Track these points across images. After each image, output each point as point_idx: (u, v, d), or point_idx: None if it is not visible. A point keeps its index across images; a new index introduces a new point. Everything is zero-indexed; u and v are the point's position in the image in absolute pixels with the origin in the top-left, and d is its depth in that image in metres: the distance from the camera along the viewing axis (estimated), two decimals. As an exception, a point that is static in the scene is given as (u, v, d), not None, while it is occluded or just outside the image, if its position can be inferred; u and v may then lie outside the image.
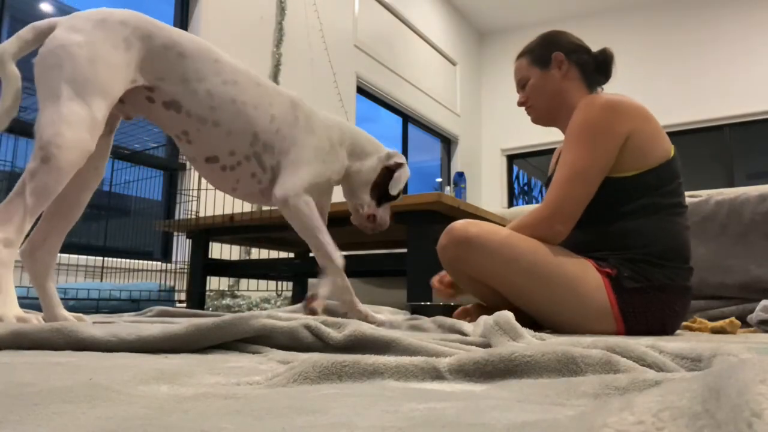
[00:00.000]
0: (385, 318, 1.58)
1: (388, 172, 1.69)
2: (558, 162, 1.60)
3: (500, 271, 1.52)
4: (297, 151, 1.52)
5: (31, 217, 1.13)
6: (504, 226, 1.61)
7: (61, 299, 2.48)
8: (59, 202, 1.31)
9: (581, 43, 1.73)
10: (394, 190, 1.67)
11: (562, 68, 1.67)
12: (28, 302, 2.24)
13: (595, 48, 1.73)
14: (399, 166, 1.68)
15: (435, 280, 1.80)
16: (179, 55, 1.35)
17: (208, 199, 3.24)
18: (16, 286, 1.14)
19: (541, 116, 1.73)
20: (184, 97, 1.37)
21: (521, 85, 1.75)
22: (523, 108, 1.79)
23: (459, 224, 1.57)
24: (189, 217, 2.95)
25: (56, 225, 1.34)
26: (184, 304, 2.96)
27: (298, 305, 1.88)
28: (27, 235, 1.23)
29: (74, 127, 1.15)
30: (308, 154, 1.53)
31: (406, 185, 1.72)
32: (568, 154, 1.54)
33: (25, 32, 1.23)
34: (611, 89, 1.67)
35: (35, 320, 1.08)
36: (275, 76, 4.33)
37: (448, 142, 7.13)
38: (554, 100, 1.68)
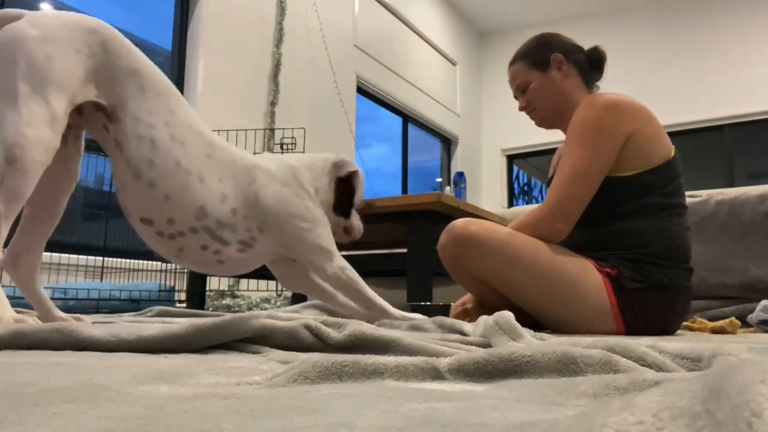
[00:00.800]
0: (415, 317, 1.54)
1: (342, 181, 1.60)
2: (559, 162, 1.60)
3: (500, 270, 1.52)
4: (289, 230, 1.43)
5: (6, 222, 1.10)
6: (504, 226, 1.61)
7: (61, 299, 2.48)
8: (36, 208, 1.28)
9: (574, 42, 1.74)
10: (359, 201, 1.61)
11: (562, 69, 1.67)
12: (25, 303, 2.24)
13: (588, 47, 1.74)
14: (353, 174, 1.60)
15: (458, 304, 1.76)
16: (140, 88, 1.27)
17: (208, 199, 3.25)
18: (4, 286, 1.13)
19: (545, 119, 1.73)
20: (129, 139, 1.27)
21: (521, 90, 1.74)
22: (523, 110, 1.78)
23: (459, 223, 1.58)
24: (189, 217, 2.94)
25: (36, 231, 1.30)
26: (184, 304, 2.96)
27: (299, 305, 1.88)
28: (6, 244, 1.21)
29: (35, 125, 1.11)
30: (303, 225, 1.44)
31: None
32: (569, 153, 1.54)
33: None
34: (611, 89, 1.67)
35: (32, 321, 1.09)
36: (275, 76, 4.33)
37: (448, 142, 7.13)
38: (558, 102, 1.68)
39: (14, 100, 1.12)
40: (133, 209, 1.32)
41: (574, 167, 1.51)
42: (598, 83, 1.75)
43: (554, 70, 1.68)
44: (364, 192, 1.68)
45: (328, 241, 1.48)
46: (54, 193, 1.31)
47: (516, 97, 1.78)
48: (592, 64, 1.71)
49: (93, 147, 3.04)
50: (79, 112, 1.27)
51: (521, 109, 1.77)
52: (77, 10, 1.33)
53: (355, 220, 1.66)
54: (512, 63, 1.77)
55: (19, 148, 1.09)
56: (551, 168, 1.85)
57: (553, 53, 1.68)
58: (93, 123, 1.30)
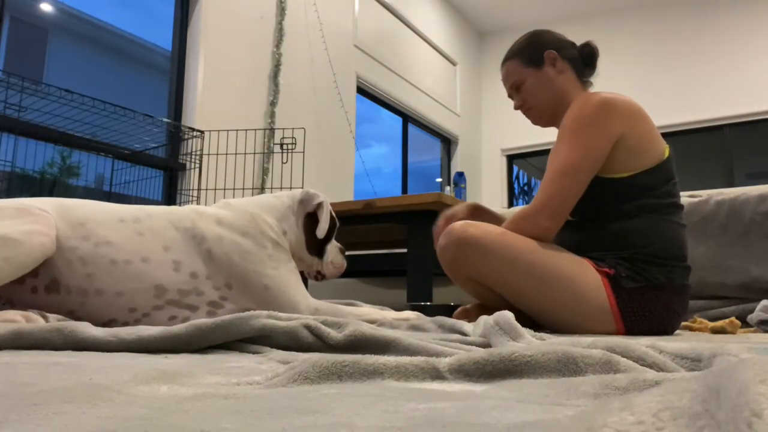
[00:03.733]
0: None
1: (311, 216, 1.56)
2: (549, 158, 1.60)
3: (499, 272, 1.52)
4: (252, 281, 1.38)
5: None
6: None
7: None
8: None
9: (566, 38, 1.73)
10: (321, 233, 1.53)
11: (556, 65, 1.67)
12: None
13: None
14: (319, 207, 1.55)
15: (459, 312, 1.75)
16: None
17: (208, 199, 3.24)
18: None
19: (541, 116, 1.72)
20: (61, 272, 1.24)
21: (515, 88, 1.72)
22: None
23: (458, 225, 1.57)
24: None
25: None
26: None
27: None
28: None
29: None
30: (268, 272, 1.39)
31: (332, 216, 1.59)
32: (559, 150, 1.53)
33: None
34: (610, 89, 1.67)
35: (20, 318, 1.10)
36: (275, 76, 4.33)
37: (448, 142, 7.13)
38: (553, 99, 1.67)
39: None
40: (98, 320, 1.29)
41: (564, 164, 1.50)
42: (591, 79, 1.74)
43: (548, 66, 1.67)
44: (335, 220, 1.61)
45: (295, 289, 1.43)
46: None
47: (510, 96, 1.76)
48: (584, 59, 1.70)
49: (93, 147, 3.04)
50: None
51: (517, 108, 1.75)
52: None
53: (333, 257, 1.60)
54: (505, 61, 1.75)
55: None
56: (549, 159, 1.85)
57: (546, 50, 1.67)
58: (21, 299, 1.26)
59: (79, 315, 1.26)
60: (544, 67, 1.67)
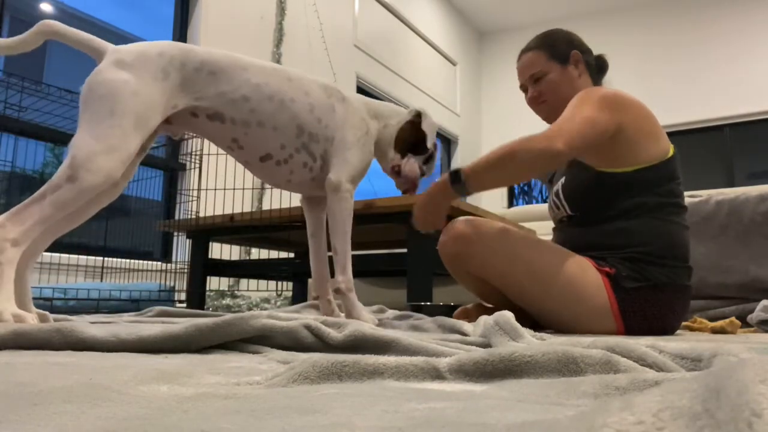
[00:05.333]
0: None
1: (412, 126, 1.71)
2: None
3: (500, 269, 1.52)
4: (341, 138, 1.59)
5: (42, 226, 1.18)
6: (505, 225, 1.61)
7: (61, 299, 2.48)
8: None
9: (586, 44, 1.74)
10: (429, 143, 1.71)
11: (579, 67, 1.66)
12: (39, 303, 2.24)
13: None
14: (424, 118, 1.72)
15: (459, 312, 1.74)
16: (210, 74, 1.42)
17: (208, 199, 3.25)
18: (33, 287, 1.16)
19: (554, 114, 1.65)
20: (225, 107, 1.44)
21: (535, 79, 1.67)
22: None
23: (459, 221, 1.58)
24: (189, 217, 2.95)
25: (52, 228, 1.35)
26: (184, 304, 2.96)
27: (299, 305, 1.88)
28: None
29: (107, 156, 1.22)
30: (352, 139, 1.61)
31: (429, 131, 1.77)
32: (570, 108, 1.49)
33: (80, 35, 1.36)
34: (611, 88, 1.67)
35: (31, 320, 1.10)
36: (275, 76, 4.33)
37: (448, 142, 7.13)
38: (569, 98, 1.62)
39: (97, 126, 1.24)
40: (252, 154, 1.53)
41: (581, 113, 1.45)
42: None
43: (572, 66, 1.65)
44: (434, 137, 1.76)
45: (355, 164, 1.60)
46: (89, 202, 1.39)
47: (523, 87, 1.72)
48: (598, 69, 1.71)
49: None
50: (167, 121, 1.41)
51: (531, 98, 1.70)
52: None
53: (412, 164, 1.68)
54: (530, 49, 1.70)
55: (85, 170, 1.20)
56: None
57: (573, 49, 1.66)
58: (180, 121, 1.45)
59: (241, 143, 1.50)
60: (569, 65, 1.66)
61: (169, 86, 1.36)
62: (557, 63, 1.65)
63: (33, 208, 1.18)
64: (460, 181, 1.48)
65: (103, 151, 1.22)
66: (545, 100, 1.67)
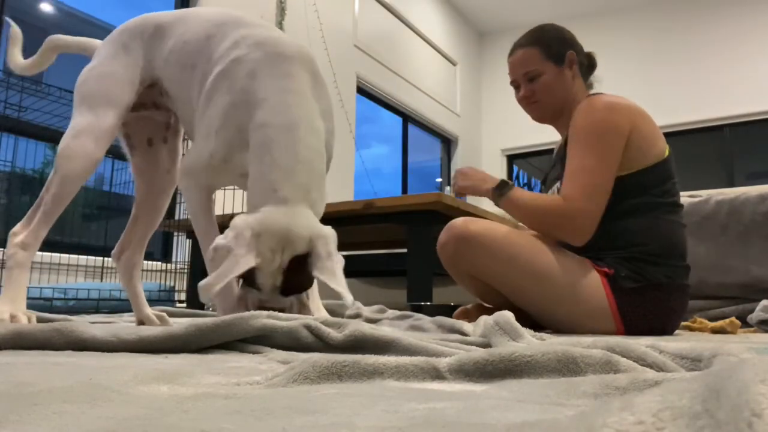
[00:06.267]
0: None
1: None
2: (565, 170, 1.54)
3: (500, 269, 1.52)
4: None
5: (46, 224, 1.22)
6: (504, 225, 1.61)
7: (61, 299, 2.48)
8: (139, 210, 1.45)
9: (579, 43, 1.73)
10: None
11: (573, 69, 1.65)
12: (27, 302, 2.23)
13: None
14: None
15: (459, 312, 1.74)
16: (159, 38, 1.33)
17: (208, 199, 3.24)
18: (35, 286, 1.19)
19: (545, 115, 1.68)
20: (164, 77, 1.33)
21: (529, 78, 1.64)
22: (521, 105, 1.71)
23: (459, 221, 1.57)
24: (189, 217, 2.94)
25: (138, 230, 1.45)
26: (184, 304, 2.96)
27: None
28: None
29: (77, 139, 1.24)
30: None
31: None
32: (580, 162, 1.50)
33: (81, 41, 1.43)
34: (611, 89, 1.67)
35: (24, 319, 1.12)
36: (275, 76, 4.33)
37: (448, 142, 7.13)
38: (563, 100, 1.65)
39: (73, 117, 1.28)
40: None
41: (592, 181, 1.47)
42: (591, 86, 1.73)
43: (567, 67, 1.64)
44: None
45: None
46: (154, 195, 1.46)
47: (515, 83, 1.69)
48: (588, 67, 1.70)
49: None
50: (156, 107, 1.40)
51: (523, 96, 1.67)
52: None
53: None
54: (521, 46, 1.66)
55: (63, 158, 1.23)
56: (554, 158, 1.81)
57: (569, 50, 1.64)
58: (160, 102, 1.40)
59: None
60: (564, 66, 1.63)
61: (133, 60, 1.32)
62: (553, 63, 1.62)
63: (36, 210, 1.23)
64: (501, 194, 1.56)
65: (73, 136, 1.24)
66: (537, 101, 1.65)
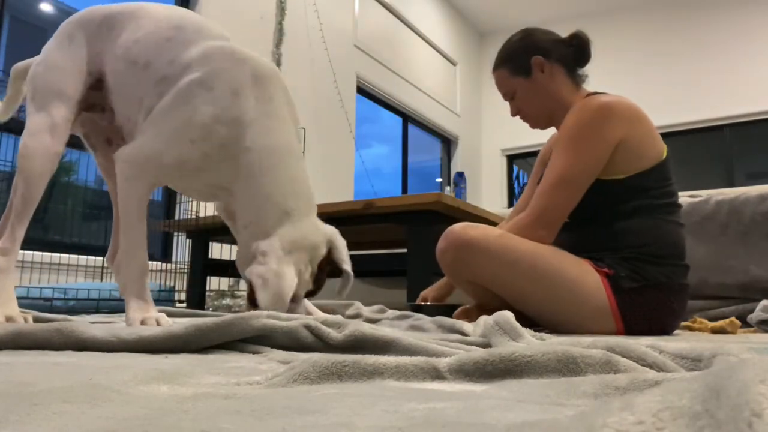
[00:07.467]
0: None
1: None
2: (548, 165, 1.58)
3: (500, 274, 1.51)
4: None
5: (20, 226, 1.22)
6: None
7: (61, 299, 2.48)
8: (117, 208, 1.40)
9: (555, 37, 1.69)
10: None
11: (545, 71, 1.65)
12: (27, 302, 2.24)
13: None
14: None
15: (459, 312, 1.75)
16: (108, 29, 1.32)
17: (208, 199, 3.24)
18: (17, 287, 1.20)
19: (538, 122, 1.71)
20: (108, 71, 1.31)
21: (509, 97, 1.72)
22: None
23: (458, 227, 1.57)
24: (189, 217, 2.95)
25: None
26: (184, 304, 2.96)
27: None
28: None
29: (36, 135, 1.25)
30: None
31: None
32: (557, 158, 1.52)
33: None
34: (611, 89, 1.67)
35: (21, 320, 1.13)
36: (275, 76, 4.33)
37: (448, 142, 7.13)
38: (547, 104, 1.66)
39: (27, 117, 1.29)
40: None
41: (561, 174, 1.50)
42: (585, 73, 1.70)
43: (537, 73, 1.65)
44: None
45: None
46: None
47: (505, 99, 1.77)
48: (576, 53, 1.66)
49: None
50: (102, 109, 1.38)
51: (513, 115, 1.76)
52: (77, 10, 1.37)
53: None
54: (495, 68, 1.75)
55: (22, 157, 1.24)
56: (538, 159, 1.84)
57: (532, 57, 1.65)
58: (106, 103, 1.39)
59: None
60: (533, 74, 1.65)
61: (78, 51, 1.31)
62: (521, 77, 1.66)
63: (7, 215, 1.25)
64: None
65: (30, 134, 1.25)
66: (525, 114, 1.71)
